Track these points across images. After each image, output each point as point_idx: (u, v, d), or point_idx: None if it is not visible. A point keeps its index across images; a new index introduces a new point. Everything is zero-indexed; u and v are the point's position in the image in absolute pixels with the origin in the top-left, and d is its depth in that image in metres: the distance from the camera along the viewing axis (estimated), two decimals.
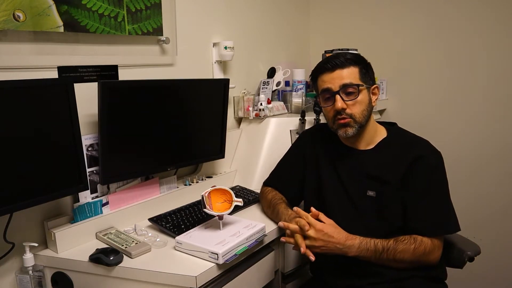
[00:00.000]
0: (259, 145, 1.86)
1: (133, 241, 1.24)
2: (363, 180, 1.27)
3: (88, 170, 1.28)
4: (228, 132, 1.77)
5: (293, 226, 1.20)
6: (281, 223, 1.24)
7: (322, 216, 1.22)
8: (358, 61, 1.26)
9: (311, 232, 1.16)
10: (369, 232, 1.21)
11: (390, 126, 1.36)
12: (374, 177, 1.26)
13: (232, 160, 1.89)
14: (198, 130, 1.60)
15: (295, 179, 1.45)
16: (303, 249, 1.15)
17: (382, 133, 1.32)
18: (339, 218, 1.26)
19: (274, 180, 1.52)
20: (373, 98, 1.30)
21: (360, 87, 1.24)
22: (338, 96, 1.23)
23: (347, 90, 1.23)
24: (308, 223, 1.17)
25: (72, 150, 1.18)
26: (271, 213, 1.43)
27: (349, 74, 1.24)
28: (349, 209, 1.28)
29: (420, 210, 1.21)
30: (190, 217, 1.43)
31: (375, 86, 1.30)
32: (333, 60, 1.25)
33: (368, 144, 1.31)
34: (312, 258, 1.16)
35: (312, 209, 1.22)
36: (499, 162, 2.03)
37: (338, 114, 1.24)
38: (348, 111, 1.24)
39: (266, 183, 1.55)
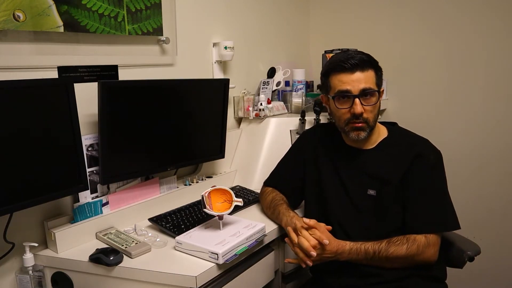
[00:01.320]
0: (259, 145, 1.85)
1: (133, 241, 1.24)
2: (364, 179, 1.28)
3: (88, 170, 1.28)
4: (228, 132, 1.77)
5: (294, 236, 1.20)
6: (289, 229, 1.24)
7: (316, 224, 1.20)
8: (374, 64, 1.25)
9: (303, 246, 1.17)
10: (369, 231, 1.21)
11: (390, 126, 1.36)
12: (375, 176, 1.26)
13: (232, 160, 1.89)
14: (198, 130, 1.60)
15: (296, 179, 1.45)
16: (309, 263, 1.17)
17: (383, 133, 1.33)
18: (340, 218, 1.26)
19: (274, 180, 1.52)
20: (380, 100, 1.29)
21: (378, 93, 1.23)
22: (357, 100, 1.21)
23: (365, 94, 1.22)
24: (302, 234, 1.19)
25: (72, 150, 1.18)
26: (271, 214, 1.42)
27: (368, 78, 1.22)
28: (350, 208, 1.28)
29: (415, 208, 1.21)
30: (190, 217, 1.43)
31: (382, 89, 1.29)
32: (351, 60, 1.21)
33: (370, 144, 1.31)
34: (310, 263, 1.17)
35: (305, 220, 1.21)
36: (499, 162, 2.03)
37: (355, 118, 1.23)
38: (365, 115, 1.22)
39: (266, 183, 1.54)
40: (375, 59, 1.27)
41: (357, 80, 1.21)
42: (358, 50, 1.52)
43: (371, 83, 1.22)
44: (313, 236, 1.18)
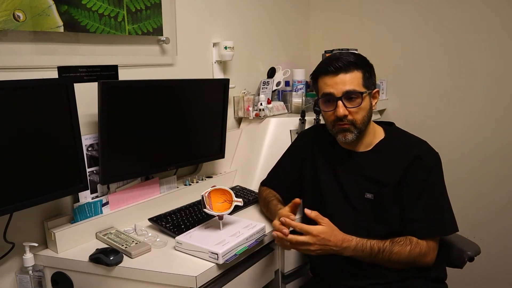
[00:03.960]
0: (259, 145, 1.85)
1: (133, 241, 1.24)
2: (361, 182, 1.27)
3: (88, 170, 1.28)
4: (228, 132, 1.77)
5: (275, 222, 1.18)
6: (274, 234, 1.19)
7: (318, 216, 1.15)
8: (361, 64, 1.23)
9: (307, 238, 1.11)
10: (368, 234, 1.20)
11: (387, 127, 1.35)
12: (372, 179, 1.25)
13: (232, 160, 1.89)
14: (198, 130, 1.60)
15: (292, 180, 1.44)
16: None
17: (380, 134, 1.32)
18: (337, 220, 1.25)
19: (271, 180, 1.52)
20: (374, 101, 1.28)
21: (363, 94, 1.21)
22: (340, 103, 1.20)
23: (349, 96, 1.21)
24: (304, 230, 1.12)
25: (72, 150, 1.18)
26: (267, 212, 1.43)
27: (352, 80, 1.20)
28: (347, 211, 1.28)
29: (415, 212, 1.20)
30: (190, 217, 1.43)
31: (376, 90, 1.28)
32: (336, 63, 1.20)
33: (366, 146, 1.30)
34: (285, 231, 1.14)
35: (306, 211, 1.16)
36: (499, 162, 2.03)
37: (339, 120, 1.22)
38: (349, 117, 1.21)
39: (263, 183, 1.55)
40: (365, 59, 1.25)
41: (341, 82, 1.20)
42: (357, 50, 1.53)
43: (356, 85, 1.21)
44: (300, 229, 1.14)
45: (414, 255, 1.17)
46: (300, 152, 1.45)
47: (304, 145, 1.45)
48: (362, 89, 1.22)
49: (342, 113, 1.20)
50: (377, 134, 1.31)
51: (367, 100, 1.23)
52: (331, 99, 1.23)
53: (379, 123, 1.36)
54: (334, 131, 1.27)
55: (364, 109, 1.23)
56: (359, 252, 1.16)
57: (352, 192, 1.28)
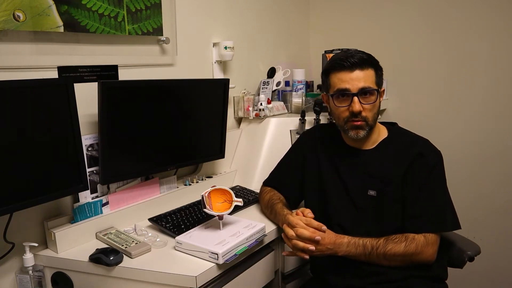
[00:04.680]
0: (259, 145, 1.86)
1: (133, 241, 1.24)
2: (365, 179, 1.28)
3: (88, 170, 1.28)
4: (228, 132, 1.77)
5: (289, 230, 1.19)
6: (285, 225, 1.23)
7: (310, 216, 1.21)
8: (374, 63, 1.26)
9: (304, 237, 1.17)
10: (370, 231, 1.21)
11: (391, 126, 1.37)
12: (375, 177, 1.26)
13: (232, 160, 1.89)
14: (198, 130, 1.60)
15: (295, 180, 1.45)
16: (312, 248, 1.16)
17: (383, 133, 1.33)
18: (340, 218, 1.26)
19: (273, 180, 1.52)
20: (381, 100, 1.30)
21: (377, 92, 1.24)
22: (356, 99, 1.21)
23: (365, 93, 1.22)
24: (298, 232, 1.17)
25: (72, 150, 1.18)
26: (269, 214, 1.43)
27: (367, 77, 1.22)
28: (350, 208, 1.28)
29: (415, 207, 1.21)
30: (190, 217, 1.43)
31: (383, 89, 1.30)
32: (351, 59, 1.22)
33: (371, 144, 1.31)
34: (306, 257, 1.18)
35: (300, 211, 1.23)
36: (499, 162, 2.03)
37: (353, 116, 1.23)
38: (363, 114, 1.23)
39: (265, 183, 1.55)
40: (375, 58, 1.28)
41: (356, 79, 1.22)
42: (359, 50, 1.53)
43: (370, 82, 1.23)
44: (310, 226, 1.18)
45: (411, 252, 1.17)
46: (303, 152, 1.45)
47: (307, 145, 1.45)
48: (375, 87, 1.24)
49: (358, 109, 1.21)
50: (381, 133, 1.33)
51: (378, 98, 1.25)
52: (345, 95, 1.23)
53: (382, 123, 1.37)
54: (345, 128, 1.27)
55: (376, 106, 1.26)
56: (352, 249, 1.17)
57: (355, 190, 1.29)
